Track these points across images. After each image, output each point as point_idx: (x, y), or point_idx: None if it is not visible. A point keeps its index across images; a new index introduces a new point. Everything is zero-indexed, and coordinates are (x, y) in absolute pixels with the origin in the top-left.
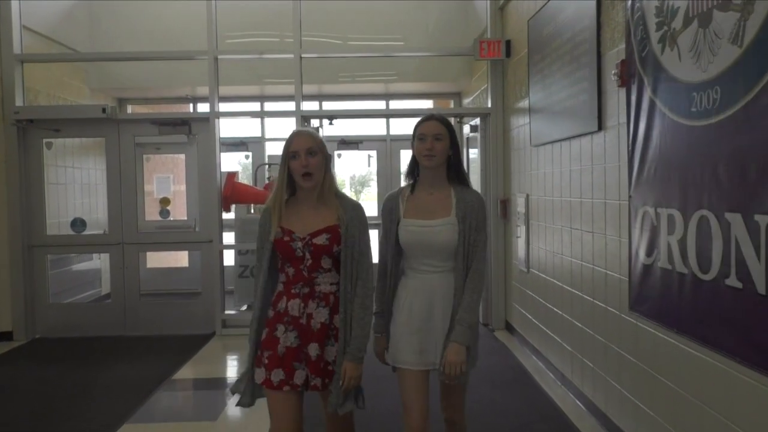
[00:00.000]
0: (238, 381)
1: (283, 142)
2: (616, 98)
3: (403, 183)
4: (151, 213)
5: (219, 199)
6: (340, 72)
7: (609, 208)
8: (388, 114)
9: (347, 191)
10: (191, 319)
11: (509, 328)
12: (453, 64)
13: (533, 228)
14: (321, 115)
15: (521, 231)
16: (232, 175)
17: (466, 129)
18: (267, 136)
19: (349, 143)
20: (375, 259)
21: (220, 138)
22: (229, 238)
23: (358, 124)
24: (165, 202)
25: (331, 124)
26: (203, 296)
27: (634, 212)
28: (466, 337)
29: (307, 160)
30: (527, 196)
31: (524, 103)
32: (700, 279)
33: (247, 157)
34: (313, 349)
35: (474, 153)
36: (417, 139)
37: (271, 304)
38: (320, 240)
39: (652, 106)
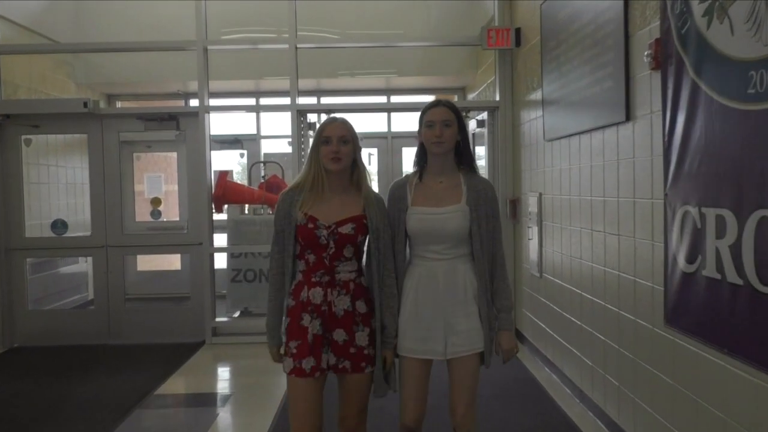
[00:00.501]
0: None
1: (280, 139)
2: (648, 83)
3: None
4: (142, 214)
5: (209, 199)
6: (339, 67)
7: (639, 208)
8: (388, 108)
9: None
10: (179, 327)
11: (519, 336)
12: (457, 56)
13: (547, 229)
14: (318, 109)
15: (533, 233)
16: (224, 174)
17: (472, 124)
18: (263, 133)
19: None
20: None
21: (210, 134)
22: (221, 240)
23: (358, 121)
24: (156, 202)
25: None
26: (192, 302)
27: (671, 212)
28: (512, 322)
29: (339, 147)
30: (540, 195)
31: (536, 95)
32: (761, 292)
33: (242, 155)
34: (339, 335)
35: (480, 150)
36: (425, 126)
37: (291, 294)
38: (346, 229)
39: (694, 89)
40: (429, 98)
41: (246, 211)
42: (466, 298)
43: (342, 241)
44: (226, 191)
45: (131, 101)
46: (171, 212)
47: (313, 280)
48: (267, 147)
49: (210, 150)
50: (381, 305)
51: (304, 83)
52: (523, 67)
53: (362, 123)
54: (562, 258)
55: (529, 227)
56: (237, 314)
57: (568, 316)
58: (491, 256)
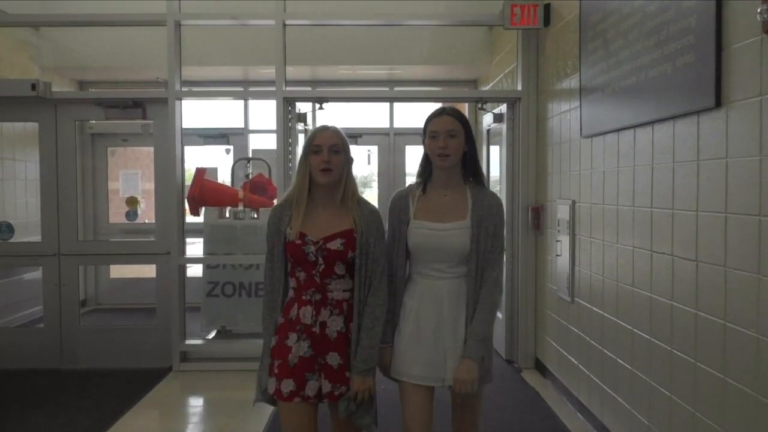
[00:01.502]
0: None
1: (269, 134)
2: (755, 54)
3: (408, 183)
4: (118, 215)
5: (179, 200)
6: (336, 56)
7: (735, 226)
8: (391, 98)
9: None
10: (143, 349)
11: (540, 367)
12: (469, 44)
13: (581, 245)
14: (309, 96)
15: (562, 247)
16: (201, 172)
17: (488, 119)
18: (251, 127)
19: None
20: None
21: (182, 124)
22: (197, 247)
23: (357, 116)
24: (131, 202)
25: (321, 108)
26: (159, 321)
27: None
28: (480, 351)
29: (330, 156)
30: (573, 203)
31: (570, 82)
32: None
33: (227, 151)
34: (333, 359)
35: (497, 150)
36: (429, 136)
37: (282, 311)
38: (334, 245)
39: None
40: (435, 90)
41: (227, 215)
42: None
43: (331, 257)
44: (203, 191)
45: (106, 89)
46: (151, 213)
47: (303, 298)
48: (256, 143)
49: (182, 143)
50: (359, 326)
51: (297, 72)
52: (552, 50)
53: (362, 118)
54: (603, 282)
55: (558, 241)
56: (212, 335)
57: (611, 355)
58: (481, 276)
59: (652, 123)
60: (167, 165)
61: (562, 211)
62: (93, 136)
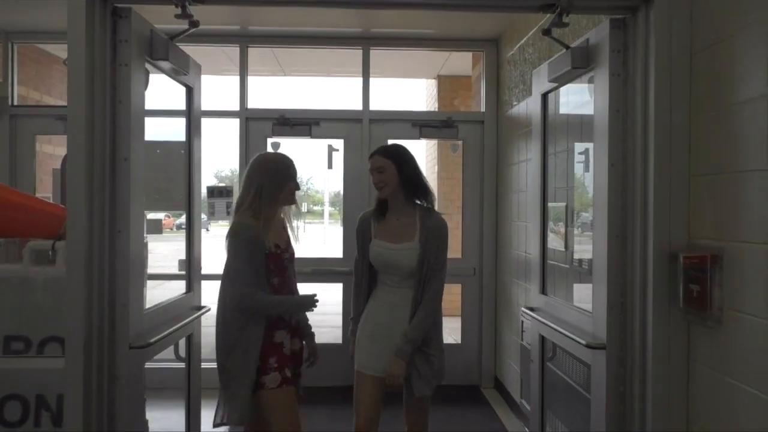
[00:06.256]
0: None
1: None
2: None
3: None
4: None
5: None
6: None
7: None
8: (365, 39)
9: (326, 213)
10: None
11: None
12: None
13: None
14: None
15: None
16: None
17: (546, 70)
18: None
19: (293, 124)
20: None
21: None
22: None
23: (312, 91)
24: None
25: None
26: None
27: None
28: (407, 352)
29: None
30: None
31: None
32: None
33: None
34: (296, 344)
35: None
36: (370, 173)
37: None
38: (291, 250)
39: None
40: (442, 55)
41: (25, 256)
42: None
43: (292, 261)
44: None
45: None
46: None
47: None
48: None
49: None
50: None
51: (222, 14)
52: None
53: (321, 96)
54: None
55: None
56: None
57: None
58: (423, 287)
59: None
60: None
61: None
62: None
